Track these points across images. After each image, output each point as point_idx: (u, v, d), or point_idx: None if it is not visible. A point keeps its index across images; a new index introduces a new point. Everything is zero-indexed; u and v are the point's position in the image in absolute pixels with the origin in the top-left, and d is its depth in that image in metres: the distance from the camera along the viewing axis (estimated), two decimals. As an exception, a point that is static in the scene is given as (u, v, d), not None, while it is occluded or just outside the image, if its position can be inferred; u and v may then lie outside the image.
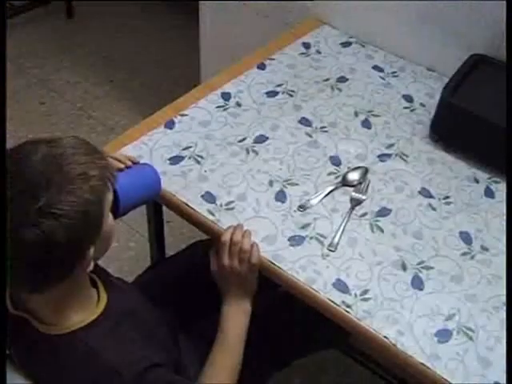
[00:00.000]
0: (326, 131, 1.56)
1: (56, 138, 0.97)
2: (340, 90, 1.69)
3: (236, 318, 1.27)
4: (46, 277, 0.95)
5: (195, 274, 1.43)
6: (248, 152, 1.48)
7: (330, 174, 1.44)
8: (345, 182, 1.42)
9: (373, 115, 1.61)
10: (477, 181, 1.46)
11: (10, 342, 1.04)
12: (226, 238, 1.26)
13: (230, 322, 1.26)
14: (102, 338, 1.03)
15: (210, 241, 1.37)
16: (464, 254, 1.30)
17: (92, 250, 0.96)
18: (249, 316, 1.28)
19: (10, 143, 0.98)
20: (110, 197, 1.00)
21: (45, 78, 3.18)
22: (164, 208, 1.52)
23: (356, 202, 1.38)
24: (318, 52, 1.83)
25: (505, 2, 1.49)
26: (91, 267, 0.99)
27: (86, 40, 3.45)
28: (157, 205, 1.56)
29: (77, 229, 0.91)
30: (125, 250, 2.34)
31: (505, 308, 1.19)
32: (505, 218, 1.36)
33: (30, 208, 0.87)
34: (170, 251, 1.74)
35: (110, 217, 1.02)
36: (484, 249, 1.31)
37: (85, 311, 1.05)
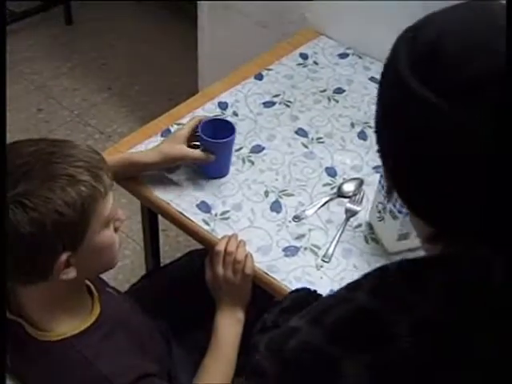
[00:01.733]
0: (322, 142, 1.56)
1: (63, 140, 0.99)
2: (337, 101, 1.70)
3: (229, 327, 1.27)
4: (20, 268, 0.93)
5: (191, 284, 1.43)
6: (244, 162, 1.49)
7: (325, 184, 1.45)
8: (340, 193, 1.42)
9: (369, 127, 1.61)
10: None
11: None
12: (221, 247, 1.26)
13: (223, 331, 1.26)
14: (94, 346, 1.02)
15: (206, 250, 1.37)
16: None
17: (67, 256, 0.94)
18: (242, 325, 1.28)
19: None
20: (102, 210, 0.97)
21: (43, 85, 3.18)
22: (160, 217, 1.52)
23: (351, 213, 1.38)
24: (316, 63, 1.84)
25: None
26: (71, 275, 0.97)
27: (84, 47, 3.45)
28: (152, 213, 1.56)
29: (44, 227, 0.89)
30: (120, 258, 2.31)
31: None
32: None
33: (8, 193, 0.88)
34: (165, 260, 1.74)
35: (106, 232, 1.00)
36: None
37: (78, 319, 1.05)
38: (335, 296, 0.76)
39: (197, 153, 1.37)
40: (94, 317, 1.07)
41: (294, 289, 1.17)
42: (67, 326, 1.03)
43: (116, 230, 1.06)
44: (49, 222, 0.89)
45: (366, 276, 0.74)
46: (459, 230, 0.70)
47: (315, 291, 1.12)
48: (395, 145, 0.71)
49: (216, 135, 1.38)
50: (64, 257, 0.94)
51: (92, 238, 0.98)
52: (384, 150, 0.75)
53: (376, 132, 0.77)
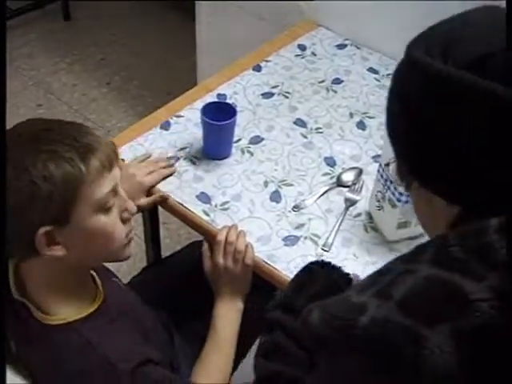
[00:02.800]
0: (321, 132, 1.56)
1: (75, 123, 1.03)
2: (335, 91, 1.70)
3: (228, 317, 1.27)
4: (9, 239, 0.95)
5: (192, 275, 1.43)
6: (243, 152, 1.49)
7: (324, 174, 1.45)
8: (339, 183, 1.42)
9: (368, 117, 1.62)
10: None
11: (11, 328, 1.05)
12: (221, 237, 1.27)
13: (222, 322, 1.27)
14: (98, 330, 1.03)
15: (206, 239, 1.38)
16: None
17: (45, 230, 0.93)
18: (240, 315, 1.29)
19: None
20: (91, 193, 0.96)
21: (42, 81, 3.19)
22: (160, 209, 1.53)
23: (350, 203, 1.38)
24: (314, 54, 1.84)
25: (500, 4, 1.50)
26: (58, 253, 0.97)
27: (82, 42, 3.45)
28: (152, 206, 1.56)
29: (20, 196, 0.91)
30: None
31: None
32: None
33: None
34: (166, 253, 1.75)
35: (101, 218, 0.99)
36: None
37: (81, 304, 1.06)
38: (391, 269, 0.74)
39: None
40: (98, 303, 1.08)
41: (313, 261, 1.14)
42: (71, 311, 1.03)
43: (124, 220, 1.05)
44: (25, 192, 0.91)
45: (419, 248, 0.74)
46: (490, 205, 0.70)
47: (345, 273, 1.09)
48: (424, 130, 0.72)
49: (218, 117, 1.40)
50: (42, 230, 0.93)
51: (82, 220, 0.97)
52: (410, 139, 0.76)
53: (395, 127, 0.79)
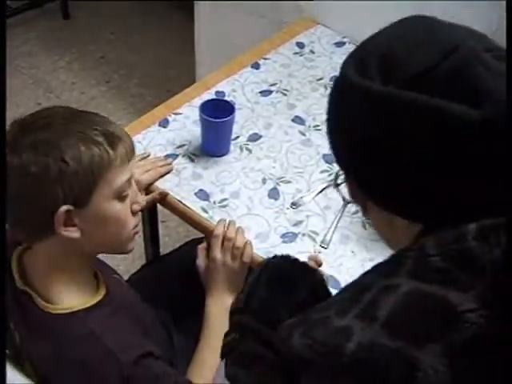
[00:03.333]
0: (319, 130, 1.57)
1: (92, 112, 1.06)
2: (333, 89, 1.70)
3: (221, 316, 1.26)
4: (25, 216, 0.98)
5: (190, 272, 1.43)
6: (242, 150, 1.50)
7: (322, 171, 1.46)
8: (337, 180, 1.43)
9: (366, 114, 1.62)
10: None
11: (14, 317, 1.06)
12: (218, 231, 1.27)
13: (215, 321, 1.26)
14: (101, 321, 1.04)
15: (205, 238, 1.38)
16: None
17: (67, 208, 0.96)
18: None
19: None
20: (113, 179, 1.00)
21: (41, 79, 3.19)
22: (159, 208, 1.53)
23: (348, 200, 1.39)
24: (312, 52, 1.84)
25: (499, 4, 1.50)
26: (74, 234, 0.99)
27: (81, 41, 3.45)
28: (151, 204, 1.56)
29: (48, 171, 0.94)
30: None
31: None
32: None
33: (22, 139, 0.95)
34: (165, 251, 1.75)
35: (117, 205, 1.03)
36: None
37: (84, 296, 1.07)
38: (370, 285, 0.71)
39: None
40: (101, 296, 1.09)
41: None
42: (74, 301, 1.04)
43: (134, 213, 1.08)
44: (53, 168, 0.94)
45: (396, 258, 0.72)
46: (450, 218, 0.68)
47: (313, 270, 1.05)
48: (366, 148, 0.71)
49: (216, 115, 1.41)
50: (64, 208, 0.96)
51: (99, 204, 1.00)
52: (353, 157, 0.74)
53: (338, 145, 0.78)
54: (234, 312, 1.00)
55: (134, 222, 1.09)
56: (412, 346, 0.63)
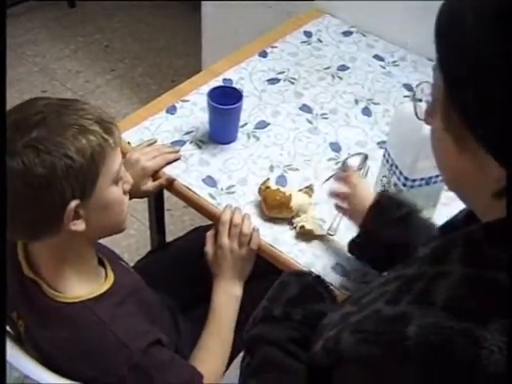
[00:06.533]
0: (326, 118, 1.57)
1: (75, 99, 1.04)
2: (341, 78, 1.70)
3: (227, 303, 1.28)
4: (33, 216, 0.95)
5: (196, 259, 1.44)
6: (249, 137, 1.50)
7: (330, 159, 1.46)
8: (345, 168, 1.43)
9: (373, 103, 1.62)
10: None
11: (20, 305, 1.06)
12: (226, 217, 1.27)
13: (221, 308, 1.27)
14: (109, 310, 1.04)
15: (211, 226, 1.38)
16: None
17: (76, 204, 0.95)
18: (239, 301, 1.29)
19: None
20: (112, 164, 1.00)
21: (46, 67, 3.19)
22: (165, 196, 1.53)
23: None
24: (320, 41, 1.84)
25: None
26: (80, 227, 0.99)
27: (87, 29, 3.45)
28: (158, 191, 1.56)
29: (55, 170, 0.92)
30: (125, 237, 2.35)
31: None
32: None
33: (19, 140, 0.91)
34: (170, 240, 1.75)
35: (115, 189, 1.03)
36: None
37: (92, 285, 1.07)
38: (418, 275, 0.70)
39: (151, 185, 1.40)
40: (109, 284, 1.09)
41: (285, 273, 1.08)
42: (83, 290, 1.04)
43: (125, 192, 1.08)
44: (59, 166, 0.92)
45: (442, 248, 0.71)
46: None
47: (316, 276, 1.05)
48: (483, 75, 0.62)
49: (224, 102, 1.41)
50: (73, 204, 0.95)
51: (101, 192, 1.00)
52: (463, 84, 0.64)
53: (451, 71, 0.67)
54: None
55: (127, 201, 1.10)
56: (476, 325, 0.63)
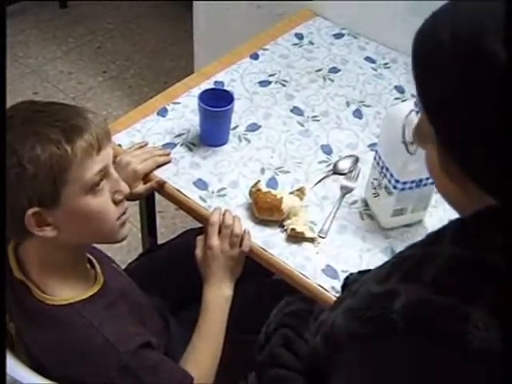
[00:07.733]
0: (317, 120, 1.57)
1: (62, 104, 1.04)
2: (332, 80, 1.71)
3: (218, 305, 1.27)
4: (8, 219, 0.97)
5: (187, 262, 1.43)
6: (240, 140, 1.50)
7: (321, 162, 1.46)
8: (336, 170, 1.43)
9: (364, 105, 1.62)
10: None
11: (10, 307, 1.06)
12: (215, 218, 1.27)
13: (212, 308, 1.27)
14: (99, 312, 1.04)
15: (202, 229, 1.38)
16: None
17: (33, 211, 0.95)
18: (229, 302, 1.28)
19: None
20: (79, 174, 0.97)
21: (38, 68, 3.18)
22: (156, 198, 1.53)
23: (346, 190, 1.39)
24: (311, 43, 1.84)
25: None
26: (49, 234, 0.98)
27: (79, 30, 3.44)
28: (149, 194, 1.56)
29: (9, 176, 0.93)
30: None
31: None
32: None
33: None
34: (161, 241, 1.75)
35: (92, 199, 1.00)
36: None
37: (82, 286, 1.07)
38: (408, 256, 0.72)
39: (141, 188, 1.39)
40: (98, 286, 1.09)
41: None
42: (71, 292, 1.04)
43: (116, 202, 1.05)
44: (12, 174, 0.93)
45: (434, 234, 0.72)
46: None
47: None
48: (480, 118, 0.64)
49: (215, 104, 1.40)
50: (30, 212, 0.95)
51: (72, 201, 0.98)
52: (458, 128, 0.67)
53: (444, 112, 0.69)
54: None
55: (118, 212, 1.06)
56: (462, 301, 0.64)
